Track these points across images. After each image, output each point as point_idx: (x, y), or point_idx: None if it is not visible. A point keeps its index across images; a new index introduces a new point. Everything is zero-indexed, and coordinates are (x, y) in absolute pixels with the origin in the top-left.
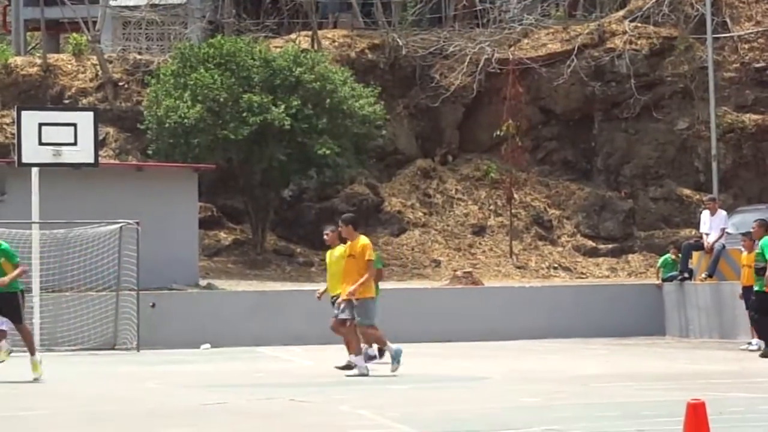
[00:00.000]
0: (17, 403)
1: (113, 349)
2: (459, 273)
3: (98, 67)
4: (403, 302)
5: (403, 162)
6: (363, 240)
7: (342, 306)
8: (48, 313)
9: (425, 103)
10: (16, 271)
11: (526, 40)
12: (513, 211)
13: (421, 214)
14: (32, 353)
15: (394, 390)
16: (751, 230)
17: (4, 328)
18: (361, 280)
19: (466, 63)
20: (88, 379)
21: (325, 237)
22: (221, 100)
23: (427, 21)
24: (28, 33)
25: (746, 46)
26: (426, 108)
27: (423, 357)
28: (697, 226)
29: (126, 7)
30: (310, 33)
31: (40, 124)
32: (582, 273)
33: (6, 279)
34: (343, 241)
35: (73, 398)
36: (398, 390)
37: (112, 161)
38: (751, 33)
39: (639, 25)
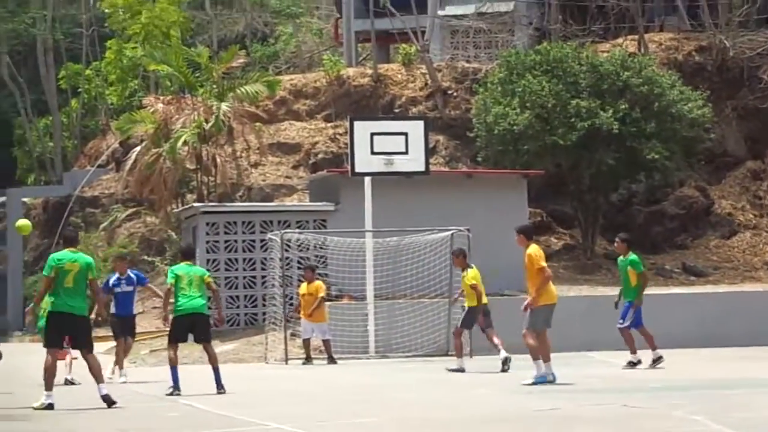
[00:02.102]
0: (352, 409)
1: (446, 355)
2: None
3: (427, 76)
4: (734, 305)
5: (732, 164)
6: (529, 250)
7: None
8: (382, 321)
9: (754, 104)
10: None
11: None
12: None
13: (751, 216)
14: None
15: (728, 395)
16: None
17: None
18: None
19: None
20: (422, 385)
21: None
22: (549, 106)
23: (754, 22)
24: (359, 45)
25: None
26: (755, 109)
27: (758, 361)
28: None
29: (454, 16)
30: (636, 37)
31: (372, 134)
32: None
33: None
34: None
35: (406, 405)
36: (733, 395)
37: (442, 169)
38: None
39: None
